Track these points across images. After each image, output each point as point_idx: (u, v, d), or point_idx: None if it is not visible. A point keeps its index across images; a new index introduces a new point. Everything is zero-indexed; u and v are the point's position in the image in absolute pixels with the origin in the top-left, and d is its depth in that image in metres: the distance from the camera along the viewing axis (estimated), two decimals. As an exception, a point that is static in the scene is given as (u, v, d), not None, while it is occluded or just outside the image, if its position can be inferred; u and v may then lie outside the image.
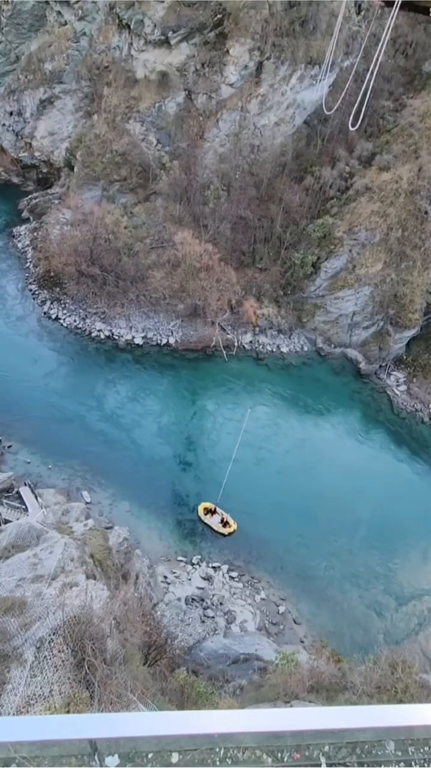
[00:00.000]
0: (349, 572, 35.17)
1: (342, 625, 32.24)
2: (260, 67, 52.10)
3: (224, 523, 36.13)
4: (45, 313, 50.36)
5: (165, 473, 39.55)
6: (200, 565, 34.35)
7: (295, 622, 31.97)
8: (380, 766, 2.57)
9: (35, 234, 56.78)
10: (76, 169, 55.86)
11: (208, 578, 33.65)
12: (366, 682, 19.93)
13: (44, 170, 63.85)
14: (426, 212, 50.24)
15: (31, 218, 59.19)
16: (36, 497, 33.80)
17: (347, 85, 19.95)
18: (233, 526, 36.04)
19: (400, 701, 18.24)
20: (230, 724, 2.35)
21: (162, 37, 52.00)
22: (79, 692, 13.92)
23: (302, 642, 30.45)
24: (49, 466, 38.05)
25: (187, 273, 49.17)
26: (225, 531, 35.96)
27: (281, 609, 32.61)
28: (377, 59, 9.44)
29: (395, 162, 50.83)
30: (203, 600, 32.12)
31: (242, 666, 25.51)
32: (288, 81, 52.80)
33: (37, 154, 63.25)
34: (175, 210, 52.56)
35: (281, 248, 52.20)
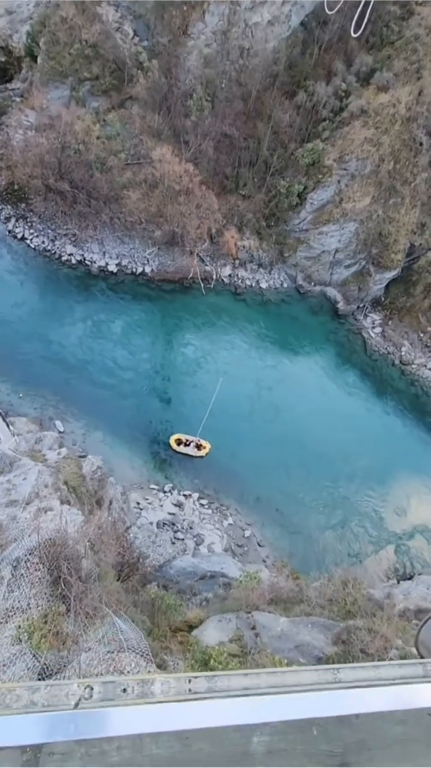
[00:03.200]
0: (314, 503, 37.65)
1: (302, 548, 35.13)
2: None
3: (199, 447, 37.39)
4: (10, 232, 46.39)
5: (140, 406, 39.66)
6: (171, 493, 35.81)
7: (259, 545, 34.52)
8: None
9: (-6, 138, 50.47)
10: (39, 61, 48.58)
11: (179, 505, 35.30)
12: (320, 596, 22.15)
13: (2, 59, 55.31)
14: (421, 143, 47.51)
15: (-11, 118, 52.21)
16: (8, 425, 33.38)
17: (356, -21, 17.36)
18: (207, 446, 37.38)
19: (348, 612, 20.50)
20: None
21: None
22: (56, 606, 14.79)
23: (264, 562, 33.10)
24: (20, 395, 37.31)
25: (165, 195, 45.64)
26: (202, 453, 37.34)
27: (247, 533, 34.98)
28: None
29: (395, 82, 46.81)
30: (173, 524, 33.90)
31: (208, 582, 27.62)
32: (287, -31, 45.97)
33: (-8, 37, 54.37)
34: (153, 121, 47.40)
35: (267, 174, 48.80)
